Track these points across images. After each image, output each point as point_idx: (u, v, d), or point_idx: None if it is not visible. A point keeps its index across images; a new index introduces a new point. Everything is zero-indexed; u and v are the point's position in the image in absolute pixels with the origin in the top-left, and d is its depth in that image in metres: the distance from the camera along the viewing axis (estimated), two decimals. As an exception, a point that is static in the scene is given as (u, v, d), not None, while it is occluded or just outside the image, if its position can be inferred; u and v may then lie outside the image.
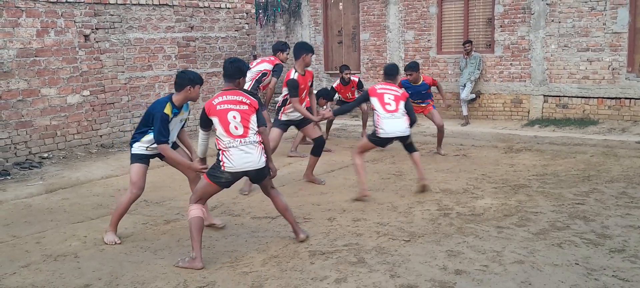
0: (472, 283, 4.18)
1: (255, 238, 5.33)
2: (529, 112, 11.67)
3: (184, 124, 5.44)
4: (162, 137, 5.01)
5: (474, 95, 12.00)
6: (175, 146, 5.40)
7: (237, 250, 5.05)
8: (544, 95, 11.49)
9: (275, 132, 7.14)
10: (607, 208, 5.87)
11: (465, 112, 11.86)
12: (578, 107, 11.13)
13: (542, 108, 11.52)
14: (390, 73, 6.89)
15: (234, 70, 4.89)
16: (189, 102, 5.30)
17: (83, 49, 9.46)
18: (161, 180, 7.57)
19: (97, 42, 9.65)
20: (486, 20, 12.11)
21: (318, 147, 7.32)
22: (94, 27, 9.58)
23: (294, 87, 6.90)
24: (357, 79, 10.40)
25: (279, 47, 8.52)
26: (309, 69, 7.20)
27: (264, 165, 4.85)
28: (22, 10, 8.62)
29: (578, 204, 6.03)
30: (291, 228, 5.24)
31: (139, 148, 5.28)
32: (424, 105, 9.25)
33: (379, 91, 6.68)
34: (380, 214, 5.94)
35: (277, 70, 8.33)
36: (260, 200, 6.60)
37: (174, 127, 5.22)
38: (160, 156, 5.38)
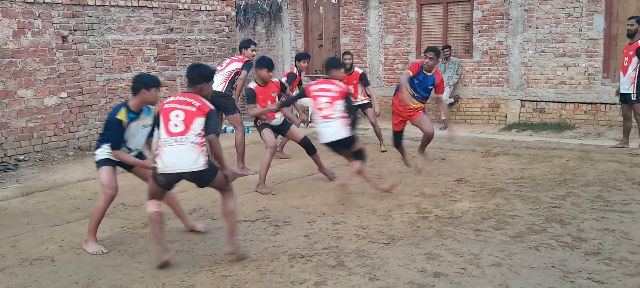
0: (451, 286, 4.22)
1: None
2: (506, 116, 11.81)
3: (151, 132, 5.29)
4: (113, 142, 4.98)
5: (452, 100, 12.11)
6: (141, 155, 5.32)
7: (216, 253, 5.03)
8: (522, 100, 11.63)
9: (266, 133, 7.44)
10: (583, 211, 5.95)
11: (444, 116, 11.94)
12: (555, 112, 11.28)
13: (520, 112, 11.65)
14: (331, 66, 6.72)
15: (195, 75, 4.76)
16: (151, 107, 5.23)
17: (61, 51, 9.36)
18: (139, 183, 7.48)
19: (75, 43, 9.55)
20: (465, 26, 12.23)
21: (308, 148, 7.49)
22: (72, 29, 9.48)
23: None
24: (361, 71, 9.76)
25: (244, 45, 8.68)
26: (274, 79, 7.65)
27: (201, 168, 4.59)
28: (-2, 11, 8.50)
29: (554, 207, 6.11)
30: (227, 234, 4.94)
31: (102, 153, 5.21)
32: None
33: (313, 93, 6.56)
34: (359, 217, 5.96)
35: (246, 65, 8.43)
36: (240, 204, 6.58)
37: (136, 133, 5.15)
38: (128, 167, 5.32)
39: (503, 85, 11.81)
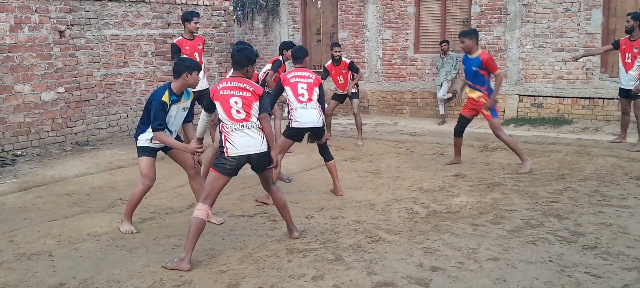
0: (448, 280, 4.22)
1: (232, 237, 5.32)
2: (504, 111, 11.80)
3: (189, 114, 5.49)
4: (157, 124, 5.08)
5: (450, 95, 12.10)
6: (178, 138, 5.48)
7: (214, 248, 5.03)
8: (519, 95, 11.63)
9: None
10: (580, 206, 5.96)
11: (442, 111, 11.96)
12: (553, 107, 11.29)
13: (518, 107, 11.66)
14: (297, 56, 6.69)
15: (242, 58, 4.89)
16: (190, 90, 5.42)
17: (58, 45, 9.34)
18: (137, 178, 7.50)
19: (72, 38, 9.52)
20: (463, 20, 12.22)
21: None
22: (69, 23, 9.46)
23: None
24: (349, 61, 9.93)
25: (186, 17, 8.50)
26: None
27: (265, 149, 4.81)
28: (-5, 6, 8.47)
29: (552, 202, 6.12)
30: (286, 225, 5.24)
31: (144, 140, 5.36)
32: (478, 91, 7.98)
33: (291, 80, 6.47)
34: (357, 212, 5.96)
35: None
36: (238, 198, 6.58)
37: (176, 115, 5.33)
38: (165, 149, 5.49)
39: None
